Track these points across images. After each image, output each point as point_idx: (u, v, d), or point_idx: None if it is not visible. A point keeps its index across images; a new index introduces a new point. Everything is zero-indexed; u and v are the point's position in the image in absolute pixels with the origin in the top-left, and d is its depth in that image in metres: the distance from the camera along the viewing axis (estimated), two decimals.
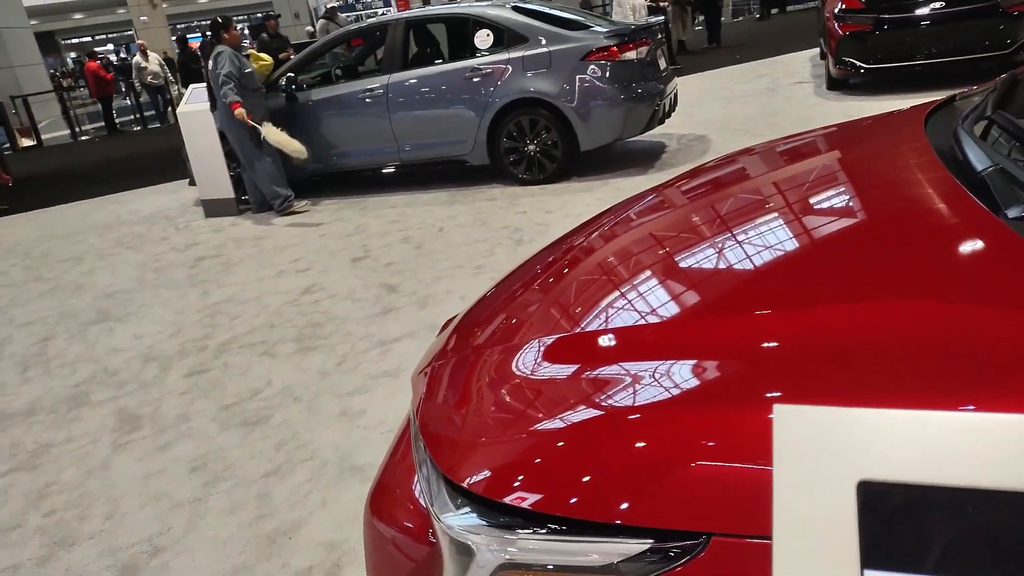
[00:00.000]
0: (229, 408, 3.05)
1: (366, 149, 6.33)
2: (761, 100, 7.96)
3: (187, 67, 15.02)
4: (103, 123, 15.80)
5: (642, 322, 1.10)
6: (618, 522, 0.78)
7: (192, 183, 6.82)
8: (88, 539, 2.34)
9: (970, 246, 1.01)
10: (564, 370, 1.06)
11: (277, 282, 4.57)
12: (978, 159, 1.21)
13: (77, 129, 16.03)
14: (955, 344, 0.80)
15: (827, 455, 0.43)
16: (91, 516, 2.46)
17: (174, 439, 2.87)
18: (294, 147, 5.87)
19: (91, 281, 5.21)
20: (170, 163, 8.56)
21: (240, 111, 5.77)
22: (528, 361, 1.12)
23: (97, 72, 15.05)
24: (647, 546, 0.76)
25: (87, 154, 12.86)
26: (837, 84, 7.73)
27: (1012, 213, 1.02)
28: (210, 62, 5.94)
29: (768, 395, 0.81)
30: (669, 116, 6.26)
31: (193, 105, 6.35)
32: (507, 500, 0.88)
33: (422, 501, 1.19)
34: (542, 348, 1.14)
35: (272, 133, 5.83)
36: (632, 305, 1.16)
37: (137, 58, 15.22)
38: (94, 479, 2.68)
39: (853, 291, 0.98)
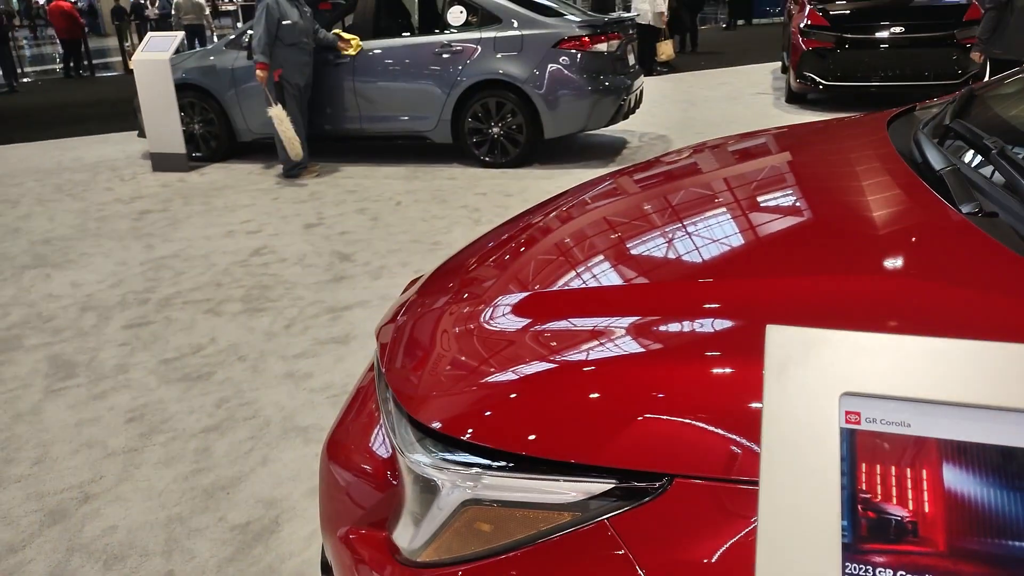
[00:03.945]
0: (170, 362, 2.98)
1: (327, 116, 6.23)
2: (722, 106, 8.12)
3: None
4: (62, 65, 15.11)
5: (616, 285, 1.13)
6: (584, 462, 0.80)
7: (141, 135, 6.59)
8: (14, 482, 2.26)
9: (931, 233, 1.06)
10: (531, 323, 1.08)
11: (226, 241, 4.47)
12: (936, 160, 1.28)
13: (20, 70, 15.29)
14: (896, 309, 0.84)
15: (813, 368, 0.46)
16: (18, 460, 2.38)
17: (110, 389, 2.79)
18: (294, 147, 5.71)
19: (28, 225, 5.00)
20: (120, 113, 8.27)
21: (261, 74, 5.56)
22: (495, 315, 1.14)
23: (70, 12, 14.34)
24: (612, 485, 0.78)
25: (30, 97, 12.28)
26: (796, 98, 7.94)
27: (966, 209, 1.08)
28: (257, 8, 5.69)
29: (713, 353, 0.84)
30: (633, 112, 6.34)
31: (150, 54, 6.13)
32: (474, 440, 0.89)
33: (378, 450, 1.20)
34: (509, 304, 1.16)
35: (280, 121, 5.61)
36: (591, 273, 1.19)
37: None
38: (23, 423, 2.59)
39: (822, 267, 1.02)
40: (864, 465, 0.43)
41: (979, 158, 1.25)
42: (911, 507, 0.42)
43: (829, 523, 0.43)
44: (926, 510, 0.42)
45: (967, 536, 0.41)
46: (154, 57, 6.09)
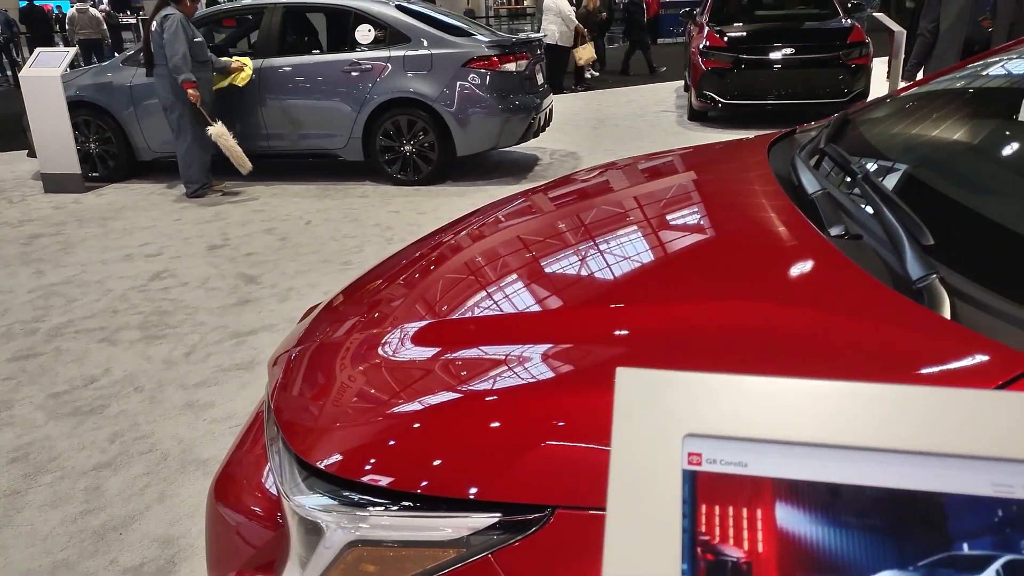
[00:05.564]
0: (59, 396, 2.81)
1: (234, 134, 6.02)
2: (629, 123, 8.34)
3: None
4: None
5: (499, 313, 1.13)
6: (468, 497, 0.80)
7: (32, 154, 6.23)
8: None
9: (795, 257, 1.11)
10: (418, 355, 1.07)
11: (123, 266, 4.27)
12: (810, 184, 1.34)
13: None
14: (762, 333, 0.88)
15: (658, 410, 0.47)
16: None
17: None
18: (242, 160, 5.58)
19: None
20: (8, 131, 7.80)
21: (194, 92, 5.37)
22: (384, 347, 1.12)
23: None
24: (495, 519, 0.78)
25: None
26: (697, 115, 8.25)
27: (833, 232, 1.14)
28: (154, 24, 5.41)
29: (584, 381, 0.86)
30: (544, 130, 6.43)
31: (39, 70, 5.81)
32: (360, 479, 0.88)
33: (271, 488, 1.16)
34: (400, 335, 1.15)
35: (223, 137, 5.47)
36: (492, 299, 1.19)
37: (72, 11, 13.96)
38: None
39: (693, 292, 1.06)
40: (704, 507, 0.45)
41: (848, 181, 1.32)
42: (747, 548, 0.43)
43: (670, 567, 0.44)
44: (760, 550, 0.43)
45: (798, 575, 0.43)
46: (44, 73, 5.78)
